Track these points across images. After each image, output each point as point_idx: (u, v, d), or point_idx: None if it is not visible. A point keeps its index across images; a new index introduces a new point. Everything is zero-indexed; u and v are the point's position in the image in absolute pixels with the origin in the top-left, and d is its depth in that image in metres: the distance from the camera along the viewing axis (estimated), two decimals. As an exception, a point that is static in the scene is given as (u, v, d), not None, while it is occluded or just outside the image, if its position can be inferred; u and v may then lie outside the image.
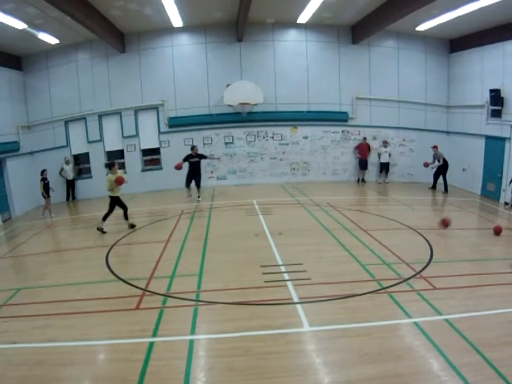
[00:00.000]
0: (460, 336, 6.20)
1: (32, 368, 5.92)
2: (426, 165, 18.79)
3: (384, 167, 20.84)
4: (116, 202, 13.67)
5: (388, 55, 20.78)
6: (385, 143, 20.60)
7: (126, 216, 13.95)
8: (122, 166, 20.37)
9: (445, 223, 11.83)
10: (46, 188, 16.90)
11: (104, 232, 13.39)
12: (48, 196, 17.01)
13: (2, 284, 9.41)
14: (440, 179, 18.88)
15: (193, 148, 17.75)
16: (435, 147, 18.88)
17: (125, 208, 13.89)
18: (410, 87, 20.83)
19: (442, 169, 18.72)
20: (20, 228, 15.75)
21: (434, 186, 19.20)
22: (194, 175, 17.76)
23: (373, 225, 12.69)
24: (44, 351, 6.37)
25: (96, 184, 20.23)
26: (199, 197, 17.85)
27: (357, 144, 21.05)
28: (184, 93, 20.45)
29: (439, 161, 18.54)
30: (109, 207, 13.70)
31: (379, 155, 20.75)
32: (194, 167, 17.64)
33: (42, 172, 17.00)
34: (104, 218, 13.66)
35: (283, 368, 5.69)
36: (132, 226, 13.90)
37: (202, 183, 18.29)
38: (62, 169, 20.08)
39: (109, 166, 14.26)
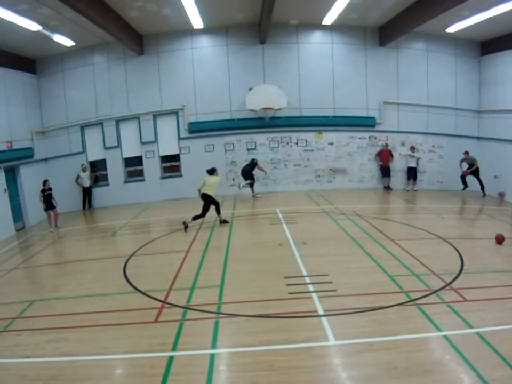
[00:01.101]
0: (492, 350, 6.01)
1: (46, 383, 5.83)
2: (465, 173, 18.79)
3: (412, 174, 20.56)
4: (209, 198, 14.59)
5: (417, 58, 20.58)
6: (412, 149, 20.33)
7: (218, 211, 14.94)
8: (140, 173, 20.80)
9: (499, 240, 11.40)
10: (46, 200, 16.17)
11: (227, 222, 14.81)
12: (49, 209, 16.26)
13: (15, 296, 9.37)
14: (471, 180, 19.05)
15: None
16: (466, 153, 18.82)
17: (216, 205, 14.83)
18: (439, 91, 20.60)
19: (474, 173, 18.83)
20: (34, 238, 15.70)
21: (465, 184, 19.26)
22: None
23: (401, 234, 12.49)
24: (58, 365, 6.28)
25: (113, 192, 20.43)
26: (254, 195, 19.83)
27: (378, 150, 20.87)
28: (205, 97, 20.30)
29: (473, 165, 18.66)
30: (214, 204, 14.69)
31: (410, 156, 20.40)
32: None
33: (44, 182, 16.35)
34: (218, 212, 14.80)
35: (307, 383, 5.57)
36: (225, 222, 14.93)
37: (224, 190, 19.45)
38: (79, 176, 20.00)
39: (211, 172, 14.94)
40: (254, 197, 19.58)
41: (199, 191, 14.53)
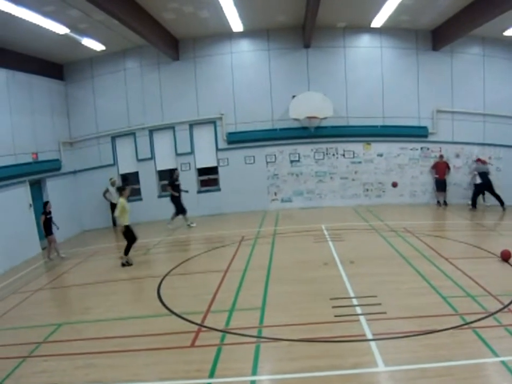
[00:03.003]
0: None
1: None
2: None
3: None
4: (130, 230, 12.57)
5: (473, 63, 18.97)
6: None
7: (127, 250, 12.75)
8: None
9: (505, 256, 10.59)
10: (47, 224, 14.22)
11: (130, 265, 12.55)
12: (51, 234, 14.33)
13: (41, 319, 9.00)
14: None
15: (175, 170, 18.13)
16: (478, 160, 18.11)
17: (134, 239, 12.77)
18: (497, 98, 18.83)
19: (483, 187, 17.77)
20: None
21: (474, 205, 17.94)
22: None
23: (455, 253, 11.60)
24: (88, 394, 6.08)
25: (147, 207, 19.44)
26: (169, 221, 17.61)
27: (433, 163, 19.22)
28: (245, 105, 19.15)
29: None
30: (127, 239, 12.61)
31: (474, 177, 18.41)
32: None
33: (45, 204, 14.41)
34: (125, 251, 12.61)
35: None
36: (127, 264, 12.62)
37: (265, 205, 19.26)
38: (107, 190, 18.82)
39: (120, 189, 12.84)
40: (188, 226, 17.43)
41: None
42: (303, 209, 19.18)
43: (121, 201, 12.22)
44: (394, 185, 17.85)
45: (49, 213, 14.32)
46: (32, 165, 16.32)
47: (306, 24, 17.01)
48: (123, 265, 12.41)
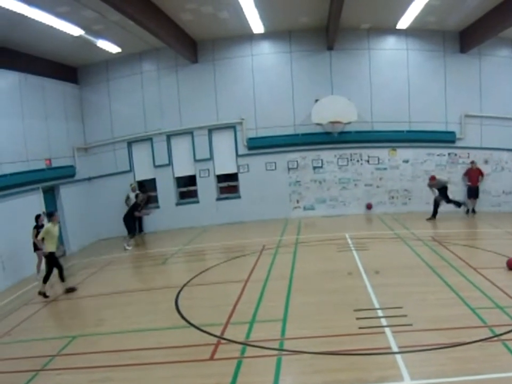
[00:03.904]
0: None
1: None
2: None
3: None
4: (53, 258, 11.34)
5: (502, 66, 18.12)
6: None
7: (62, 278, 11.48)
8: (193, 194, 19.44)
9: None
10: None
11: (46, 297, 11.13)
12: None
13: (55, 331, 9.01)
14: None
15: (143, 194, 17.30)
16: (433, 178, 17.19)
17: (60, 267, 11.48)
18: (528, 102, 18.22)
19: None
20: (76, 266, 14.67)
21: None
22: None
23: (484, 262, 11.20)
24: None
25: (164, 215, 18.92)
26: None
27: (465, 170, 18.36)
28: (266, 109, 18.49)
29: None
30: (49, 266, 11.45)
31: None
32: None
33: (37, 217, 13.34)
34: (45, 280, 11.32)
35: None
36: (71, 290, 11.52)
37: (287, 213, 18.72)
38: (128, 197, 18.13)
39: (49, 215, 11.88)
40: (125, 249, 16.37)
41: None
42: (326, 217, 18.56)
43: (48, 226, 11.17)
44: (369, 207, 18.44)
45: (42, 226, 13.10)
46: (45, 171, 15.89)
47: (330, 25, 16.48)
48: (39, 293, 11.16)
